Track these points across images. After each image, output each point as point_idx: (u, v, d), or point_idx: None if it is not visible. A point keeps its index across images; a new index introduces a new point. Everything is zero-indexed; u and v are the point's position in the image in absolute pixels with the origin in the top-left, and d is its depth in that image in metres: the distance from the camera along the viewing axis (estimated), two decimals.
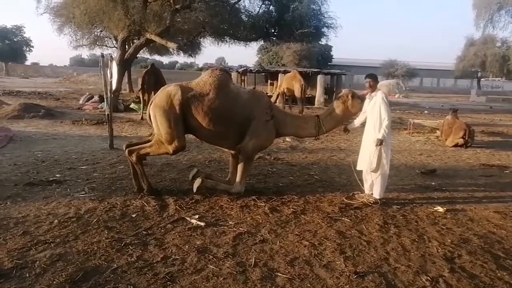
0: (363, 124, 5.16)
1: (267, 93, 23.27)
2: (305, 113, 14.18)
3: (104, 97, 9.04)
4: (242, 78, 27.16)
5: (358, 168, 5.12)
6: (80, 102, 16.82)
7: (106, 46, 26.92)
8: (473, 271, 3.26)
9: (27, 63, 60.95)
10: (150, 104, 4.79)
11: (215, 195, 4.91)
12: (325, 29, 20.88)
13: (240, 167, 4.94)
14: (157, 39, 14.13)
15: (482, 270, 3.28)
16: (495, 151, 9.31)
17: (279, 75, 21.50)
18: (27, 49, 54.63)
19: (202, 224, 4.02)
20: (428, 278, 3.10)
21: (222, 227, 4.00)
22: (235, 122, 4.80)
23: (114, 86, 8.65)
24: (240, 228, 3.97)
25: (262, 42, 25.25)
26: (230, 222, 4.13)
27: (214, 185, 4.98)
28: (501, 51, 40.77)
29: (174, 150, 4.69)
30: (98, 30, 21.52)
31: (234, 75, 24.10)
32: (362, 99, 5.03)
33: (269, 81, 27.97)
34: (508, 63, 35.53)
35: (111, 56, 8.66)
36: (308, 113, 15.70)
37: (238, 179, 4.95)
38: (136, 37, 16.35)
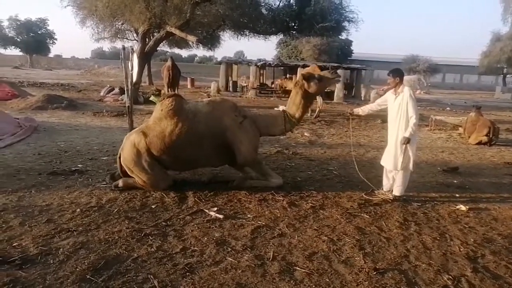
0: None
1: (285, 87, 23.20)
2: (323, 108, 14.09)
3: (125, 89, 9.15)
4: (261, 71, 27.12)
5: (382, 163, 5.01)
6: (101, 94, 17.12)
7: (127, 39, 27.30)
8: (497, 271, 3.18)
9: (51, 55, 62.37)
10: (119, 158, 4.73)
11: (234, 188, 4.92)
12: (346, 23, 20.67)
13: (258, 174, 5.02)
14: (177, 32, 14.20)
15: (507, 270, 3.20)
16: None
17: (298, 69, 21.33)
18: (51, 42, 55.83)
19: (221, 216, 4.04)
20: (450, 277, 3.04)
21: (240, 220, 4.01)
22: (206, 140, 4.67)
23: (134, 79, 8.74)
24: (259, 222, 3.97)
25: (281, 36, 25.17)
26: (248, 215, 4.14)
27: (253, 184, 5.03)
28: None
29: (163, 189, 4.69)
30: (120, 23, 21.78)
31: (253, 68, 24.09)
32: (319, 78, 4.86)
33: (287, 75, 27.84)
34: None
35: (132, 49, 8.75)
36: (328, 108, 15.57)
37: (267, 178, 5.02)
38: (157, 30, 16.46)
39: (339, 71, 21.53)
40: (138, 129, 4.82)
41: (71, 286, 2.65)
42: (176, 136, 4.53)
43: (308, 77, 4.89)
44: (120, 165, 4.74)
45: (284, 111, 5.16)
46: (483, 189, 5.62)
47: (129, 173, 4.68)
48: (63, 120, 10.21)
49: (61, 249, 3.14)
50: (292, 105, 5.09)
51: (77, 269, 2.86)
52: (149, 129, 4.65)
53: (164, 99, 4.81)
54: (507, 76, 47.68)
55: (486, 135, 9.29)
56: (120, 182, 4.76)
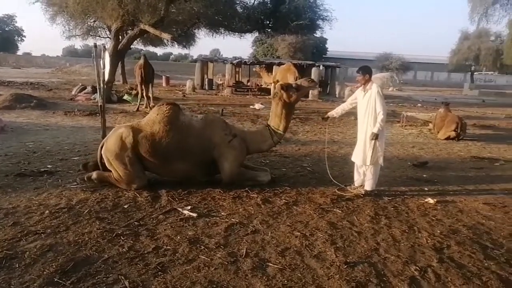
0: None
1: (261, 85, 23.25)
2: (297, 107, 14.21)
3: (97, 88, 8.96)
4: (237, 70, 27.07)
5: (353, 159, 5.12)
6: (73, 93, 16.70)
7: (99, 36, 26.72)
8: (461, 261, 3.31)
9: (19, 53, 60.35)
10: (101, 148, 4.73)
11: (208, 187, 4.91)
12: (320, 22, 20.87)
13: (245, 180, 5.05)
14: (151, 30, 14.00)
15: (470, 260, 3.33)
16: (486, 144, 9.39)
17: (274, 67, 21.43)
18: (19, 39, 54.22)
19: (194, 215, 4.03)
20: (417, 268, 3.13)
21: (214, 218, 4.01)
22: (194, 154, 4.77)
23: (107, 77, 8.56)
24: (232, 219, 3.98)
25: (257, 34, 25.16)
26: (222, 213, 4.14)
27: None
28: (495, 45, 41.07)
29: (136, 188, 4.67)
30: (92, 20, 21.34)
31: (228, 66, 24.02)
32: (296, 88, 4.98)
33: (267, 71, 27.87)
34: (502, 57, 35.67)
35: (104, 47, 8.54)
36: (303, 105, 15.70)
37: (256, 180, 5.13)
38: (130, 28, 16.19)
39: (313, 69, 21.68)
40: (129, 124, 4.88)
41: None
42: (166, 144, 4.61)
43: (286, 88, 4.98)
44: (101, 156, 4.71)
45: (267, 125, 5.23)
46: (450, 182, 5.82)
47: (107, 165, 4.65)
48: (32, 120, 9.90)
49: (28, 253, 3.05)
50: (274, 117, 5.15)
51: (44, 273, 2.78)
52: (140, 128, 4.70)
53: (163, 104, 4.88)
54: (475, 73, 49.46)
55: (454, 131, 9.61)
56: (94, 174, 4.72)
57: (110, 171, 4.68)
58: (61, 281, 2.69)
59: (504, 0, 25.03)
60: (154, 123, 4.68)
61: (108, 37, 24.23)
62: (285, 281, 2.85)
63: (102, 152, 4.70)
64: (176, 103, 5.12)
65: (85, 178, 4.71)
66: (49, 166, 5.64)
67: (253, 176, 5.20)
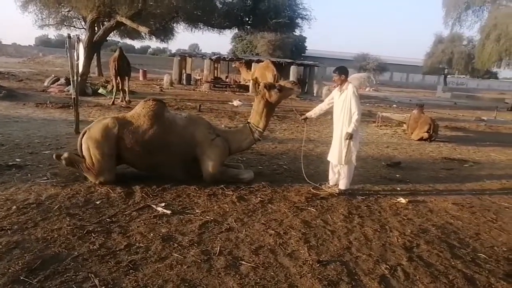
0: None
1: (240, 82, 23.18)
2: None
3: (71, 80, 8.72)
4: (216, 65, 26.89)
5: (329, 159, 5.18)
6: (45, 84, 16.16)
7: (74, 27, 25.97)
8: (429, 259, 3.40)
9: None
10: (83, 135, 4.70)
11: (183, 184, 4.86)
12: (299, 20, 20.99)
13: (227, 179, 5.06)
14: (128, 22, 13.73)
15: (438, 258, 3.43)
16: (456, 146, 9.69)
17: (252, 64, 21.41)
18: None
19: (168, 212, 3.98)
20: (387, 266, 3.21)
21: (188, 215, 3.98)
22: (175, 151, 4.84)
23: (81, 69, 8.35)
24: (207, 217, 3.96)
25: (236, 31, 25.10)
26: (197, 211, 4.11)
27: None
28: (467, 49, 42.40)
29: (101, 182, 4.62)
30: (66, 10, 20.68)
31: (207, 62, 23.84)
32: (279, 89, 5.08)
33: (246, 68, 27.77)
34: (473, 61, 36.84)
35: (78, 38, 8.32)
36: (280, 103, 15.74)
37: (238, 178, 5.15)
38: (106, 19, 15.80)
39: (292, 68, 21.78)
40: (115, 116, 4.92)
41: None
42: (148, 138, 4.67)
43: (269, 87, 5.09)
44: (81, 143, 4.66)
45: (248, 122, 5.30)
46: (422, 182, 5.98)
47: (84, 152, 4.62)
48: (0, 111, 9.53)
49: None
50: (255, 114, 5.24)
51: (10, 270, 2.69)
52: (125, 120, 4.74)
53: (149, 100, 4.97)
54: (448, 76, 50.91)
55: (427, 132, 9.88)
56: (66, 154, 4.72)
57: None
58: (27, 279, 2.61)
59: (476, 6, 25.90)
60: (139, 117, 4.76)
61: (83, 28, 23.59)
62: (258, 280, 2.85)
63: (82, 140, 4.66)
64: (162, 100, 5.16)
65: (54, 157, 4.76)
66: (17, 159, 5.45)
67: (235, 174, 5.21)
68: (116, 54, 12.45)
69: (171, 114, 5.12)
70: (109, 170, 4.62)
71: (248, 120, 5.33)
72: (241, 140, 5.27)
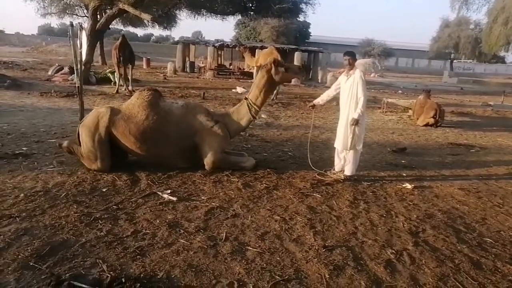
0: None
1: (244, 69, 23.04)
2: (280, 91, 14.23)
3: (74, 68, 8.70)
4: (219, 53, 26.72)
5: (335, 145, 5.15)
6: (49, 73, 16.17)
7: (76, 15, 25.81)
8: (435, 244, 3.40)
9: None
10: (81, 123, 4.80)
11: (188, 171, 4.88)
12: (303, 5, 20.76)
13: (229, 166, 5.03)
14: (130, 9, 13.62)
15: (444, 243, 3.43)
16: (463, 131, 9.62)
17: (256, 50, 21.23)
18: None
19: (174, 199, 4.00)
20: (393, 251, 3.21)
21: (194, 202, 3.99)
22: (172, 140, 4.78)
23: (84, 58, 8.33)
24: (213, 203, 3.97)
25: (239, 17, 24.88)
26: (202, 197, 4.13)
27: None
28: (474, 33, 41.70)
29: (95, 170, 4.64)
30: None
31: (211, 49, 23.68)
32: (286, 67, 5.05)
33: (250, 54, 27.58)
34: (480, 46, 36.32)
35: (81, 26, 8.27)
36: (285, 90, 15.69)
37: (240, 166, 5.12)
38: (109, 7, 15.70)
39: (296, 54, 21.61)
40: (109, 106, 4.95)
41: (12, 274, 2.53)
42: (143, 127, 4.64)
43: (277, 63, 5.02)
44: (78, 131, 4.74)
45: (246, 98, 5.21)
46: (428, 168, 5.95)
47: (80, 139, 4.68)
48: (6, 100, 9.56)
49: (2, 236, 2.97)
50: (255, 89, 5.14)
51: (19, 257, 2.72)
52: (120, 110, 4.74)
53: (144, 90, 4.95)
54: (454, 61, 50.28)
55: (433, 117, 9.80)
56: (65, 143, 4.83)
57: None
58: (36, 265, 2.64)
59: None
60: (134, 106, 4.75)
61: (85, 16, 23.42)
62: (264, 265, 2.87)
63: (78, 128, 4.74)
64: (157, 89, 5.12)
65: (57, 144, 5.01)
66: (24, 148, 5.48)
67: (237, 161, 5.17)
68: (118, 41, 12.34)
69: (167, 103, 5.07)
70: (102, 159, 4.60)
71: (246, 96, 5.23)
72: (239, 119, 5.17)
